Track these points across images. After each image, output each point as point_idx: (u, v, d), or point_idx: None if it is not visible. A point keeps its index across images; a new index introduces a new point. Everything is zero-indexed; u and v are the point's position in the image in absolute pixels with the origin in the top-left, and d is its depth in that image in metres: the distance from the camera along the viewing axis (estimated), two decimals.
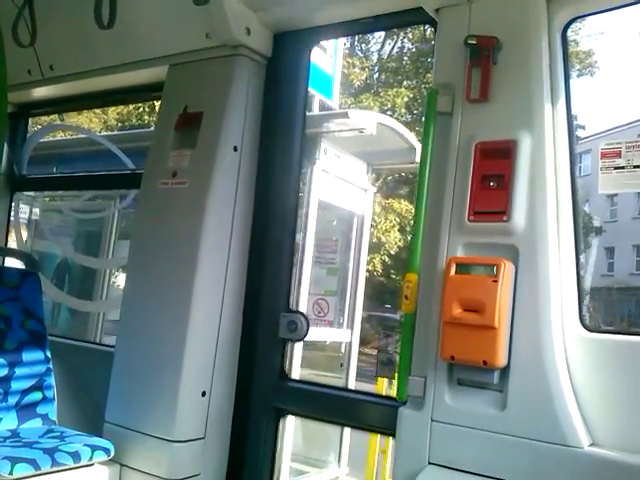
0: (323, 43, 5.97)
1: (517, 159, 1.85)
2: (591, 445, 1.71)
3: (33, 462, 2.14)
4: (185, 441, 2.36)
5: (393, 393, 2.14)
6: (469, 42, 1.96)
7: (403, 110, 13.47)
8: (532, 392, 1.76)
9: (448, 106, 2.01)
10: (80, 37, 2.92)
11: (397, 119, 9.22)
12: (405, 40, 16.02)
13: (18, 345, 2.63)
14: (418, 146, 4.93)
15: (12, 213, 3.71)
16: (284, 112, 2.61)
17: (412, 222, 2.02)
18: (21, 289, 2.74)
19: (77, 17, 2.84)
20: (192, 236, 2.43)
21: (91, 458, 2.30)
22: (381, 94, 13.92)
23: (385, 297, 12.96)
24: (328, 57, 6.41)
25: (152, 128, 3.58)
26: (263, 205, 2.59)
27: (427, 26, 3.01)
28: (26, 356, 2.63)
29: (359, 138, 5.06)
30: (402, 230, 11.58)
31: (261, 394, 2.52)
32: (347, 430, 4.84)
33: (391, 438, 2.10)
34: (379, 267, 11.78)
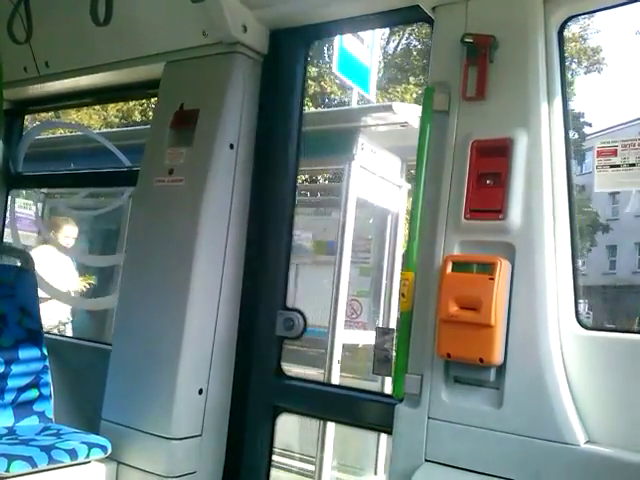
0: (361, 33, 5.86)
1: (513, 157, 1.86)
2: (587, 442, 1.72)
3: (30, 459, 2.14)
4: (182, 438, 2.36)
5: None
6: (466, 40, 1.96)
7: None
8: (528, 389, 1.76)
9: (444, 104, 2.01)
10: (76, 34, 2.90)
11: None
12: (411, 37, 16.02)
13: (14, 342, 2.63)
14: None
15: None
16: (281, 110, 2.61)
17: (409, 220, 2.02)
18: (17, 286, 2.74)
19: (73, 14, 2.83)
20: (189, 234, 2.43)
21: (88, 455, 2.31)
22: (389, 90, 13.90)
23: None
24: (365, 48, 6.23)
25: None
26: (260, 202, 2.59)
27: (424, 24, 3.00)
28: (22, 353, 2.63)
29: (394, 132, 4.86)
30: None
31: (258, 391, 2.52)
32: (383, 436, 4.72)
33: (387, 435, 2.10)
34: None
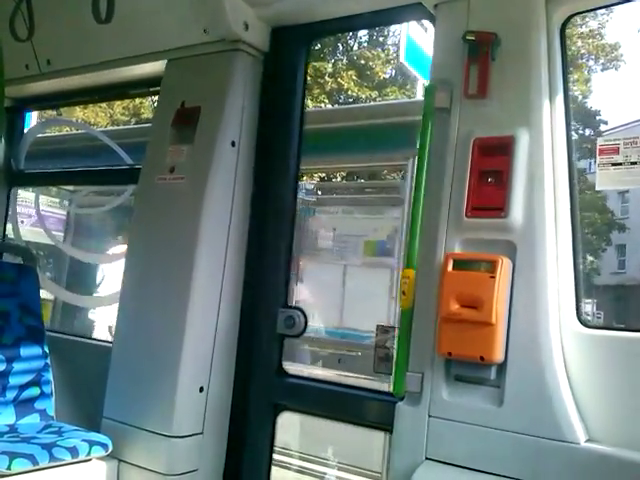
0: (424, 22, 5.75)
1: (515, 155, 1.85)
2: (588, 441, 1.72)
3: (31, 457, 2.14)
4: (183, 436, 2.36)
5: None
6: (467, 38, 1.95)
7: None
8: (529, 388, 1.76)
9: (446, 102, 2.01)
10: (78, 31, 2.90)
11: None
12: None
13: (16, 340, 2.63)
14: None
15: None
16: (282, 107, 2.61)
17: (410, 218, 2.01)
18: (19, 284, 2.74)
19: (75, 11, 2.82)
20: (190, 231, 2.42)
21: (89, 453, 2.31)
22: (407, 87, 13.80)
23: None
24: (429, 37, 6.12)
25: None
26: (261, 200, 2.59)
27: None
28: (24, 351, 2.63)
29: None
30: None
31: (259, 390, 2.52)
32: None
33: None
34: None
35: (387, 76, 14.34)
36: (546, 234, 1.81)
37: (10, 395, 2.56)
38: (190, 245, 2.41)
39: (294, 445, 5.03)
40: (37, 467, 2.16)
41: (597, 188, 1.95)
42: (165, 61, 2.74)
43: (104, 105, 13.07)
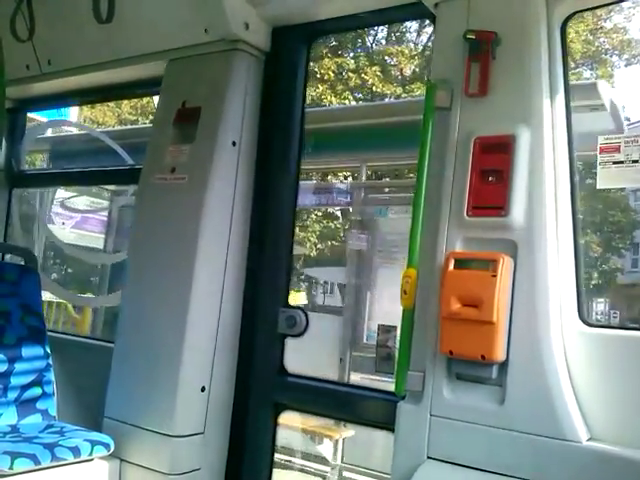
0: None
1: (516, 154, 1.85)
2: (589, 440, 1.71)
3: (33, 457, 2.14)
4: (185, 436, 2.36)
5: None
6: (468, 37, 1.95)
7: None
8: (530, 387, 1.76)
9: (447, 101, 2.01)
10: (78, 32, 2.91)
11: None
12: None
13: (17, 340, 2.63)
14: None
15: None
16: (283, 107, 2.61)
17: (411, 217, 2.01)
18: (20, 285, 2.74)
19: (75, 11, 2.83)
20: (191, 231, 2.43)
21: (91, 453, 2.31)
22: None
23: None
24: None
25: None
26: (262, 200, 2.59)
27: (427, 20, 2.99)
28: (25, 351, 2.63)
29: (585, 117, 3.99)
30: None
31: (260, 389, 2.52)
32: None
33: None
34: None
35: (411, 72, 14.19)
36: (547, 232, 1.81)
37: (12, 395, 2.56)
38: (191, 245, 2.41)
39: None
40: (39, 467, 2.16)
41: (598, 187, 1.95)
42: (166, 61, 2.74)
43: (112, 104, 13.00)
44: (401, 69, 13.67)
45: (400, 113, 5.72)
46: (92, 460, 2.34)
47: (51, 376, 2.67)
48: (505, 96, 1.91)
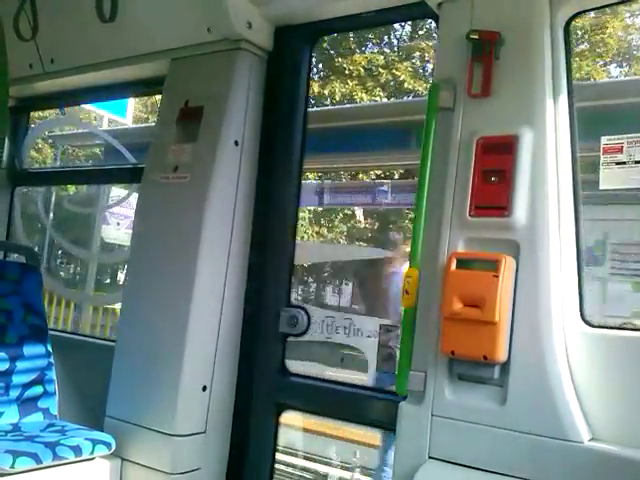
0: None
1: (518, 154, 1.85)
2: (591, 440, 1.71)
3: (34, 456, 2.14)
4: (186, 435, 2.36)
5: None
6: (471, 37, 1.95)
7: None
8: (532, 387, 1.76)
9: (450, 101, 2.00)
10: (81, 31, 2.91)
11: None
12: None
13: (19, 339, 2.63)
14: None
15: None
16: (285, 106, 2.61)
17: (413, 217, 2.01)
18: (22, 283, 2.75)
19: (78, 10, 2.84)
20: (193, 231, 2.43)
21: (92, 452, 2.31)
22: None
23: None
24: None
25: None
26: (264, 199, 2.59)
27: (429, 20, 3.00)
28: (27, 350, 2.64)
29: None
30: None
31: (262, 388, 2.52)
32: None
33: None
34: None
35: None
36: (550, 233, 1.81)
37: (14, 394, 2.56)
38: (193, 244, 2.41)
39: None
40: (40, 466, 2.16)
41: (600, 187, 1.94)
42: (169, 60, 2.74)
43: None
44: (433, 64, 13.43)
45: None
46: (93, 459, 2.34)
47: (52, 375, 2.67)
48: (508, 96, 1.91)
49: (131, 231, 2.81)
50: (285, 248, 2.58)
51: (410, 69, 12.69)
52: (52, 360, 2.69)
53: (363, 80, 12.29)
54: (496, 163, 1.89)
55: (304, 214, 9.70)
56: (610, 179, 1.90)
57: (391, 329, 2.28)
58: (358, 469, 5.01)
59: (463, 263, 1.85)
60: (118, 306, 2.80)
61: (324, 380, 2.61)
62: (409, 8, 2.30)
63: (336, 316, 3.53)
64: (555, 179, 1.85)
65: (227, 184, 2.49)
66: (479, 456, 1.80)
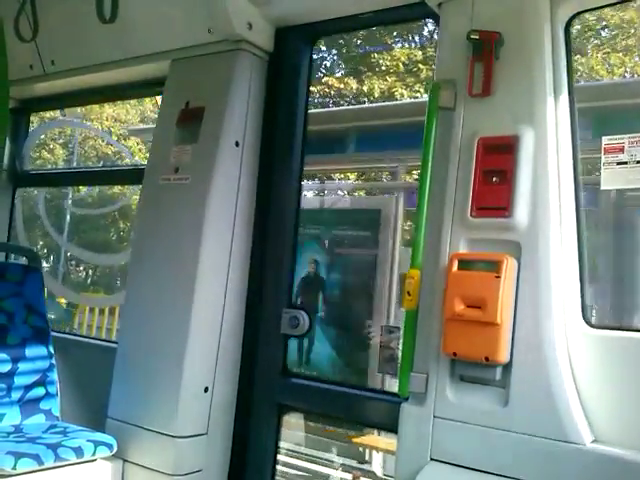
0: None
1: (519, 154, 1.85)
2: (593, 442, 1.71)
3: (36, 457, 2.15)
4: (188, 436, 2.36)
5: None
6: (471, 37, 1.94)
7: None
8: (534, 388, 1.75)
9: (450, 101, 2.00)
10: (82, 32, 2.91)
11: None
12: None
13: (21, 341, 2.64)
14: None
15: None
16: (286, 107, 2.61)
17: (414, 218, 2.01)
18: (24, 285, 2.75)
19: (79, 12, 2.83)
20: (194, 232, 2.43)
21: (94, 453, 2.31)
22: None
23: None
24: None
25: None
26: (265, 200, 2.59)
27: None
28: (29, 352, 2.64)
29: None
30: None
31: (263, 390, 2.52)
32: None
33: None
34: None
35: None
36: (551, 233, 1.80)
37: (15, 395, 2.57)
38: (194, 245, 2.41)
39: None
40: (42, 467, 2.16)
41: (602, 187, 1.94)
42: (169, 61, 2.74)
43: (134, 102, 12.78)
44: None
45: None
46: (95, 460, 2.34)
47: (54, 376, 2.67)
48: (509, 96, 1.91)
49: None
50: (286, 249, 2.57)
51: None
52: (54, 361, 2.69)
53: (402, 76, 12.15)
54: (497, 163, 1.88)
55: None
56: (611, 179, 1.89)
57: (392, 330, 2.27)
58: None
59: (464, 264, 1.85)
60: None
61: (326, 381, 2.61)
62: (409, 8, 2.30)
63: None
64: (556, 179, 1.85)
65: (228, 185, 2.49)
66: (481, 458, 1.80)
